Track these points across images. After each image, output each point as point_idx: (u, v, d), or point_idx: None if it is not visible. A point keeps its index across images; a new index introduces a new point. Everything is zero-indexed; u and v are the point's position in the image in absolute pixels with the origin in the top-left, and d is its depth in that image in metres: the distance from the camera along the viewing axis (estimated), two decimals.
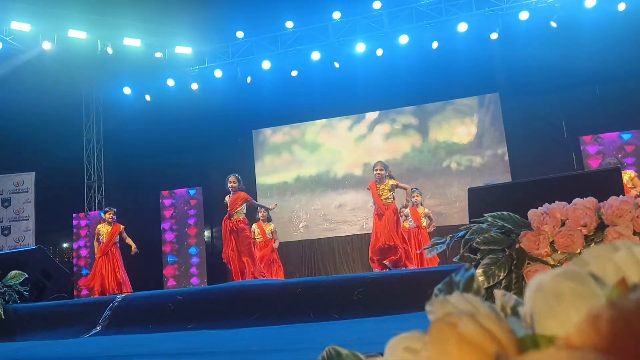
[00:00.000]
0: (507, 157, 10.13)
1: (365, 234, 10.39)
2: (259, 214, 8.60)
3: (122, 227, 8.65)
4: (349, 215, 10.84)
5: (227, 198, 7.33)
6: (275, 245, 8.73)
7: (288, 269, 10.92)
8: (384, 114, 11.04)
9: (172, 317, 2.79)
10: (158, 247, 11.18)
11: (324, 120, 11.43)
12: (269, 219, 8.70)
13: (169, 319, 2.79)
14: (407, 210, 8.04)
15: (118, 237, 8.49)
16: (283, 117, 11.49)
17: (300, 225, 11.21)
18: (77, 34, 9.90)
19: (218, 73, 10.89)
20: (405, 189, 7.19)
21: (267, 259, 8.39)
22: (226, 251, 7.15)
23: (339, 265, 10.48)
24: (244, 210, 7.31)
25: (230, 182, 7.25)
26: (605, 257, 0.49)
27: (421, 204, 8.37)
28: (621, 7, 8.65)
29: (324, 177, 11.23)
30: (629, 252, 0.48)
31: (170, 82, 11.12)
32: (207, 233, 11.80)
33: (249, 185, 11.56)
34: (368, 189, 7.20)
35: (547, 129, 9.71)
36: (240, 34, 10.72)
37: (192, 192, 11.38)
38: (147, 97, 11.28)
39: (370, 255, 7.03)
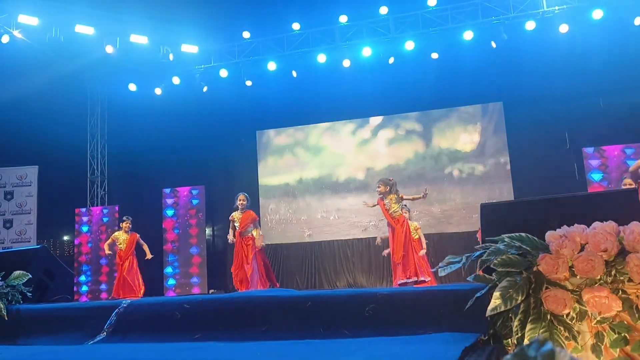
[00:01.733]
0: (509, 166, 10.08)
1: (365, 238, 10.33)
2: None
3: (138, 235, 9.08)
4: (350, 219, 10.79)
5: (236, 215, 7.57)
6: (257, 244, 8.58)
7: (288, 271, 10.88)
8: (388, 119, 10.99)
9: (179, 326, 2.72)
10: (159, 246, 11.11)
11: (327, 124, 11.39)
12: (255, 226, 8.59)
13: (175, 328, 2.72)
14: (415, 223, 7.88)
15: (135, 244, 8.93)
16: (287, 118, 11.44)
17: (302, 227, 11.15)
18: (85, 30, 9.84)
19: (223, 73, 10.83)
20: (410, 199, 7.20)
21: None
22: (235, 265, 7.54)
23: (339, 269, 10.43)
24: (252, 229, 7.59)
25: (240, 201, 7.56)
26: None
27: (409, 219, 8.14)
28: (637, 21, 8.58)
29: (326, 180, 11.18)
30: None
31: (176, 80, 11.06)
32: (208, 232, 11.74)
33: (252, 186, 11.53)
34: (377, 204, 7.23)
35: (549, 139, 9.67)
36: (246, 34, 10.67)
37: (194, 191, 11.31)
38: (157, 91, 11.19)
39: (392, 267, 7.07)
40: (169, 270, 11.00)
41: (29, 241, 10.85)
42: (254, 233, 8.30)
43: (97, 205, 11.90)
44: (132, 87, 11.44)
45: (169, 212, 11.25)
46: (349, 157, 11.13)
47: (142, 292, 8.90)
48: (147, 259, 9.06)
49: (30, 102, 10.02)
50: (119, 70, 11.15)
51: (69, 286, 4.13)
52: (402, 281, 6.64)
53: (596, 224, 2.03)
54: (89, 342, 2.79)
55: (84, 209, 11.59)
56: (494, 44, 9.20)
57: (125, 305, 3.00)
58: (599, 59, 8.66)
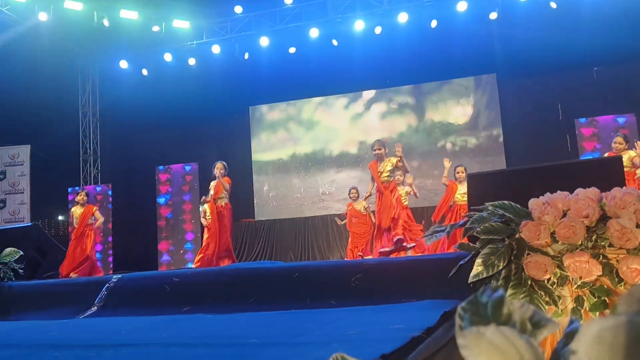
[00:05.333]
0: (502, 139, 10.08)
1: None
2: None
3: (94, 208, 8.42)
4: (344, 194, 10.79)
5: (212, 184, 7.51)
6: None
7: (281, 246, 10.93)
8: (381, 92, 10.94)
9: (168, 299, 2.75)
10: (153, 222, 11.14)
11: (320, 98, 11.33)
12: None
13: (165, 301, 2.75)
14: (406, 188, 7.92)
15: (92, 218, 8.22)
16: (280, 94, 11.37)
17: (295, 202, 11.18)
18: (73, 5, 9.70)
19: (216, 48, 10.73)
20: (406, 170, 7.12)
21: None
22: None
23: (332, 243, 10.48)
24: (226, 196, 7.49)
25: (217, 169, 7.38)
26: None
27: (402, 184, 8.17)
28: None
29: (319, 155, 11.17)
30: None
31: (168, 57, 10.95)
32: (202, 208, 11.74)
33: (245, 161, 11.52)
34: (369, 168, 7.08)
35: (542, 111, 9.64)
36: (238, 9, 10.54)
37: (187, 167, 11.31)
38: (144, 72, 11.11)
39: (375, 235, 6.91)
40: (163, 246, 11.05)
41: (23, 221, 10.84)
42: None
43: (90, 184, 11.87)
44: (124, 64, 11.33)
45: (163, 189, 11.25)
46: (342, 132, 11.10)
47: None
48: (96, 227, 8.46)
49: (20, 81, 9.91)
50: (110, 47, 11.02)
51: (60, 263, 4.16)
52: (383, 250, 6.45)
53: (579, 190, 2.04)
54: (80, 316, 2.82)
55: (77, 188, 11.56)
56: (493, 15, 9.09)
57: (115, 279, 3.02)
58: (591, 29, 8.59)
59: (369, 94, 11.01)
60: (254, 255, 10.65)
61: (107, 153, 12.30)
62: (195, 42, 10.86)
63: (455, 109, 10.42)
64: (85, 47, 11.30)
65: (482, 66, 10.05)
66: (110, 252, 11.31)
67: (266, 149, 11.57)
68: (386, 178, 6.68)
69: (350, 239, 8.41)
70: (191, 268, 7.70)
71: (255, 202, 11.37)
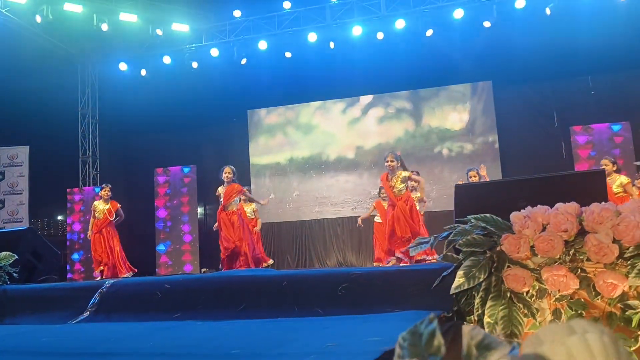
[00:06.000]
0: (497, 145, 10.12)
1: (355, 216, 10.39)
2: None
3: (119, 205, 8.55)
4: (341, 198, 10.85)
5: (220, 189, 7.34)
6: (258, 227, 8.63)
7: (279, 249, 10.97)
8: (378, 97, 10.99)
9: (159, 305, 2.79)
10: (151, 224, 11.19)
11: (318, 103, 11.37)
12: (250, 199, 8.58)
13: (156, 307, 2.79)
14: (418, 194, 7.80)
15: (115, 214, 8.37)
16: (278, 98, 11.41)
17: (292, 206, 11.22)
18: (73, 8, 9.74)
19: (215, 52, 10.78)
20: (418, 182, 6.92)
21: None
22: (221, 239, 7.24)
23: (329, 247, 10.53)
24: (237, 202, 7.40)
25: (226, 173, 7.25)
26: (559, 340, 0.49)
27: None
28: None
29: (316, 159, 11.22)
30: (582, 338, 0.47)
31: (167, 60, 11.00)
32: (200, 211, 11.81)
33: (243, 165, 11.56)
34: (380, 179, 6.91)
35: (538, 118, 9.69)
36: (237, 13, 10.60)
37: (186, 170, 11.36)
38: (143, 72, 11.16)
39: (387, 246, 6.69)
40: (161, 248, 11.09)
41: (21, 221, 10.89)
42: (246, 208, 8.32)
43: (89, 185, 11.92)
44: (123, 66, 11.38)
45: (161, 191, 11.30)
46: (339, 136, 11.15)
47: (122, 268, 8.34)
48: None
49: (20, 82, 9.96)
50: (109, 49, 11.08)
51: (55, 267, 4.21)
52: (400, 256, 6.25)
53: (559, 204, 2.08)
54: (73, 322, 2.86)
55: (76, 189, 11.62)
56: (487, 24, 9.15)
57: (108, 285, 3.06)
58: (587, 37, 8.65)
59: (366, 99, 11.05)
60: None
61: (105, 154, 12.35)
62: (194, 45, 10.93)
63: (452, 115, 10.47)
64: (85, 49, 11.36)
65: (479, 73, 10.10)
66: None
67: (264, 152, 11.62)
68: (398, 191, 6.47)
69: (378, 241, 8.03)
70: (183, 274, 7.70)
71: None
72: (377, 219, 8.14)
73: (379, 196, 8.35)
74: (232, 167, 7.38)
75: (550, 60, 9.08)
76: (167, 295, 2.83)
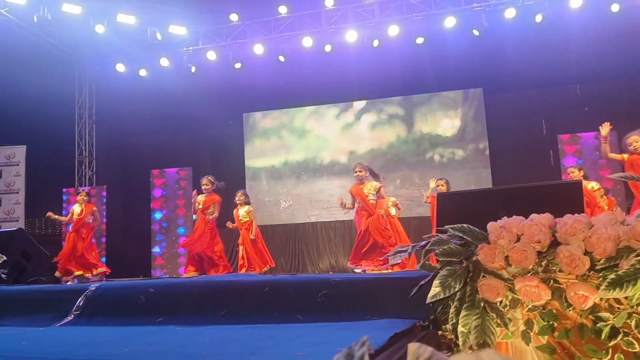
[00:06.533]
0: (487, 152, 10.14)
1: (348, 220, 10.41)
2: (236, 198, 8.43)
3: (94, 207, 8.68)
4: (334, 201, 10.84)
5: (200, 197, 7.63)
6: (252, 233, 8.18)
7: (273, 252, 10.94)
8: (371, 103, 11.01)
9: (143, 310, 2.78)
10: (147, 226, 11.16)
11: (312, 107, 11.40)
12: (246, 202, 8.44)
13: (140, 311, 2.78)
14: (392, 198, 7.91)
15: (90, 217, 8.48)
16: (273, 101, 11.43)
17: (286, 209, 11.22)
18: (71, 9, 9.73)
19: (211, 55, 10.78)
20: (383, 198, 7.02)
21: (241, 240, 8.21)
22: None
23: (322, 250, 10.53)
24: (214, 212, 7.59)
25: (205, 185, 7.57)
26: None
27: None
28: (614, 8, 8.60)
29: (310, 163, 11.22)
30: None
31: (164, 62, 11.00)
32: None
33: (238, 167, 11.56)
34: (351, 192, 7.08)
35: (527, 126, 9.72)
36: (234, 17, 10.61)
37: (182, 172, 11.34)
38: (142, 73, 11.15)
39: (352, 255, 6.85)
40: (156, 250, 11.07)
41: (17, 220, 10.87)
42: (242, 211, 8.32)
43: (85, 186, 11.89)
44: (120, 67, 11.36)
45: (157, 193, 11.28)
46: (333, 141, 11.16)
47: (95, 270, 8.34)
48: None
49: (17, 82, 9.94)
50: (107, 50, 11.06)
51: (45, 267, 4.19)
52: (367, 267, 6.49)
53: (533, 215, 2.09)
54: (57, 325, 2.85)
55: (72, 189, 11.59)
56: (476, 32, 9.20)
57: (93, 288, 3.06)
58: (576, 47, 8.71)
59: (359, 104, 11.08)
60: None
61: (102, 155, 12.32)
62: (191, 47, 10.92)
63: (444, 121, 10.49)
64: (82, 50, 11.33)
65: (470, 80, 10.14)
66: (104, 254, 11.31)
67: (259, 155, 11.62)
68: (371, 201, 6.73)
69: None
70: (167, 278, 7.78)
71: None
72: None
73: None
74: (211, 177, 7.57)
75: (540, 69, 9.12)
76: (151, 300, 2.82)
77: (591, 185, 6.81)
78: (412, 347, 0.77)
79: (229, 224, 7.98)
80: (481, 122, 10.22)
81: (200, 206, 7.59)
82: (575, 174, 6.86)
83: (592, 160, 8.60)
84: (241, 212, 8.43)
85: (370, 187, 6.81)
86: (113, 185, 11.78)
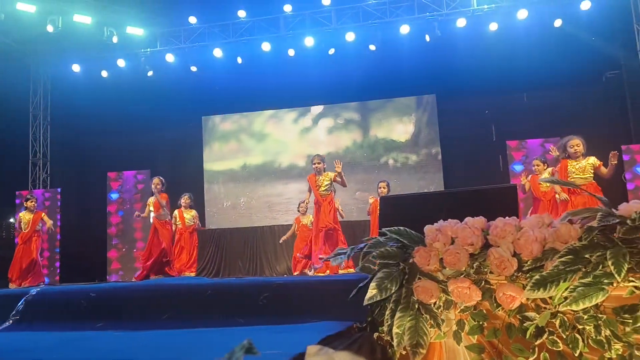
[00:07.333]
0: (440, 157, 10.32)
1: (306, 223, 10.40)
2: (182, 200, 8.42)
3: (43, 213, 8.38)
4: (292, 205, 10.82)
5: (150, 200, 7.69)
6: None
7: (231, 255, 10.84)
8: (329, 108, 11.06)
9: (84, 314, 2.70)
10: (103, 229, 10.87)
11: (271, 111, 11.35)
12: (191, 206, 8.53)
13: (81, 316, 2.70)
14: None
15: (40, 224, 8.21)
16: (232, 105, 11.33)
17: (245, 212, 11.14)
18: (26, 7, 9.43)
19: (170, 57, 10.63)
20: (344, 185, 7.18)
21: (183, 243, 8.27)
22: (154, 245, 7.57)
23: (279, 253, 10.48)
24: (167, 213, 7.67)
25: (155, 185, 7.62)
26: None
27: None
28: (557, 23, 8.95)
29: (269, 167, 11.18)
30: None
31: (121, 63, 10.77)
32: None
33: (197, 170, 11.40)
34: (307, 180, 7.31)
35: (478, 132, 9.93)
36: (193, 20, 10.48)
37: (139, 175, 11.10)
38: (99, 73, 10.87)
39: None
40: (112, 253, 10.79)
41: None
42: (186, 214, 8.25)
43: (39, 188, 11.51)
44: (76, 68, 11.06)
45: (114, 196, 11.01)
46: (291, 145, 11.15)
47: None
48: (47, 229, 8.48)
49: None
50: (63, 50, 10.74)
51: None
52: (324, 256, 6.59)
53: (468, 219, 2.11)
54: None
55: (25, 191, 11.18)
56: (427, 37, 9.38)
57: (34, 293, 2.95)
58: (523, 56, 8.98)
59: (317, 109, 11.11)
60: (203, 264, 10.52)
61: (57, 157, 11.94)
62: (149, 49, 10.73)
63: (398, 127, 10.62)
64: (37, 49, 10.98)
65: (423, 86, 10.30)
66: (58, 258, 10.96)
67: (218, 158, 11.50)
68: (324, 191, 6.87)
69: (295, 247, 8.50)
70: (109, 283, 7.64)
71: (206, 210, 11.25)
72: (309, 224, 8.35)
73: (298, 211, 8.72)
74: (161, 178, 7.54)
75: (490, 77, 9.33)
76: (92, 304, 2.74)
77: (548, 172, 6.99)
78: (312, 349, 0.76)
79: (137, 214, 8.01)
80: (434, 128, 10.39)
81: (152, 209, 7.50)
82: (540, 167, 7.07)
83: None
84: (188, 215, 8.36)
85: (325, 177, 6.97)
86: (68, 188, 11.42)
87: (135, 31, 10.41)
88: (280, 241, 9.12)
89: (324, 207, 6.85)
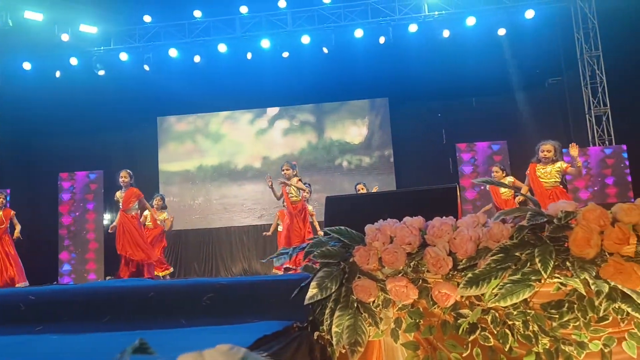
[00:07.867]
0: (392, 159, 10.47)
1: (261, 224, 10.37)
2: (154, 201, 8.26)
3: (13, 212, 8.05)
4: (247, 206, 10.76)
5: (118, 193, 7.25)
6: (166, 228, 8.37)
7: (186, 257, 10.68)
8: (284, 110, 11.06)
9: (22, 318, 2.58)
10: (54, 231, 10.50)
11: (227, 112, 11.26)
12: (163, 207, 8.38)
13: (19, 320, 2.58)
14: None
15: (9, 222, 7.92)
16: (188, 106, 11.16)
17: (200, 214, 10.98)
18: None
19: (124, 56, 10.38)
20: (306, 194, 7.16)
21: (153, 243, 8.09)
22: (122, 244, 7.10)
23: (235, 255, 10.39)
24: (137, 207, 7.26)
25: (122, 178, 7.14)
26: None
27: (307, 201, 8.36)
28: (501, 32, 9.23)
29: (224, 168, 11.07)
30: None
31: (74, 61, 10.44)
32: (107, 216, 11.23)
33: (152, 171, 11.16)
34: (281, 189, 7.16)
35: (429, 135, 10.13)
36: (147, 18, 10.27)
37: (92, 175, 10.78)
38: (51, 71, 10.50)
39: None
40: (64, 256, 10.44)
41: None
42: (157, 216, 8.07)
43: None
44: (27, 65, 10.65)
45: (65, 197, 10.65)
46: (247, 146, 11.09)
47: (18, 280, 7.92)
48: (15, 238, 8.12)
49: None
50: (13, 47, 10.32)
51: None
52: (289, 266, 6.55)
53: (407, 218, 2.13)
54: None
55: None
56: (382, 39, 9.48)
57: None
58: (472, 62, 9.20)
59: (272, 110, 11.09)
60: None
61: (6, 156, 11.46)
62: (102, 48, 10.44)
63: (352, 129, 10.72)
64: None
65: (376, 90, 10.44)
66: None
67: (173, 159, 11.30)
68: (294, 198, 6.77)
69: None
70: (49, 285, 7.30)
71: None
72: (280, 227, 8.21)
73: (283, 205, 8.48)
74: (129, 170, 7.19)
75: (441, 81, 9.52)
76: (31, 308, 2.62)
77: (508, 180, 7.13)
78: (223, 347, 0.75)
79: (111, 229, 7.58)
80: (386, 130, 10.53)
81: (121, 204, 7.16)
82: (498, 173, 7.22)
83: (486, 169, 9.09)
84: (161, 217, 8.23)
85: (292, 183, 6.90)
86: (17, 188, 10.97)
87: (89, 29, 10.11)
88: (265, 234, 8.84)
89: (295, 221, 6.79)
